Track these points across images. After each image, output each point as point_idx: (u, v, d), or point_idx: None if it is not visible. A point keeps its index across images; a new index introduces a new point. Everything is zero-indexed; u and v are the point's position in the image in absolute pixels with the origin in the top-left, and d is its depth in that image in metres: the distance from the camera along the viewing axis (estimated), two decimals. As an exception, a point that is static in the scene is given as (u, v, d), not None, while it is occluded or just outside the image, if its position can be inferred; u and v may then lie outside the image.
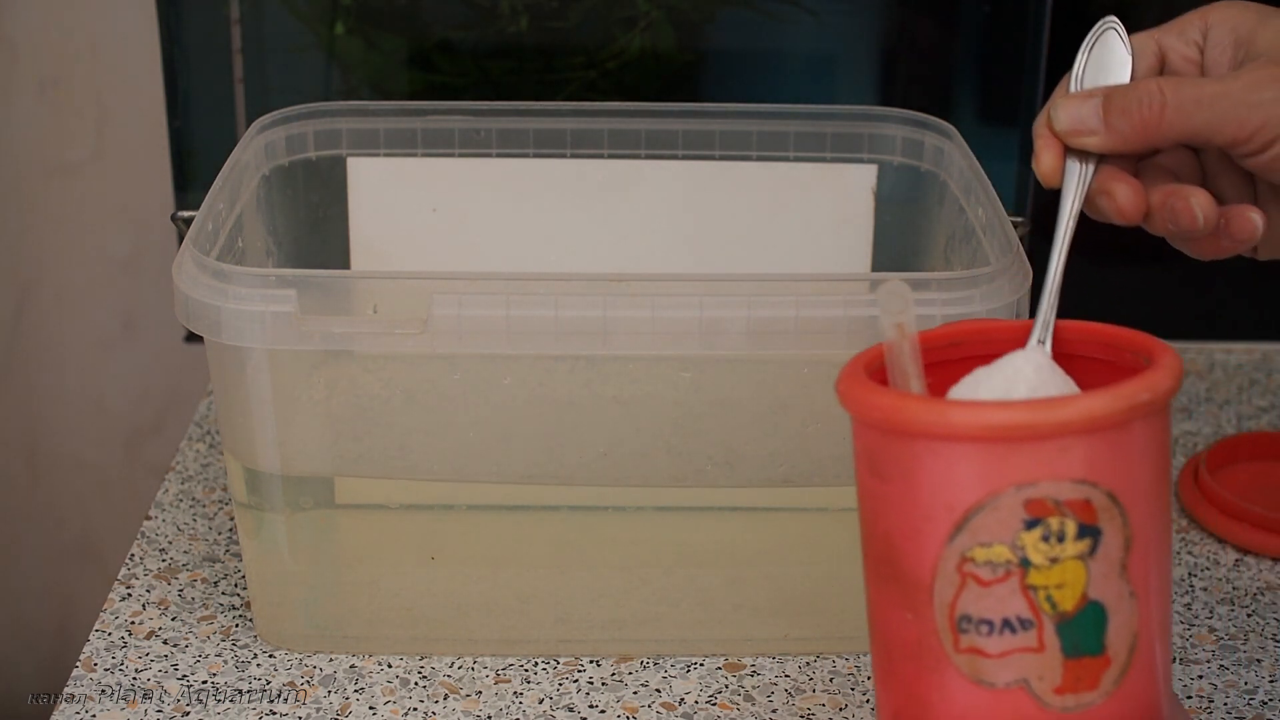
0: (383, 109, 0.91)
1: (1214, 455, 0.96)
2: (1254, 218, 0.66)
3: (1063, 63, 0.67)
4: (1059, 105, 0.65)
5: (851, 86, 1.12)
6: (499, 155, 0.91)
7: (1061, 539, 0.54)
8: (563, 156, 0.91)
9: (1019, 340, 0.62)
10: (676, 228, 0.93)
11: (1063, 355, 0.62)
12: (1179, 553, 0.91)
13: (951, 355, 0.62)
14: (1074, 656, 0.55)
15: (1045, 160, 0.66)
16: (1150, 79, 0.64)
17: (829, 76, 1.12)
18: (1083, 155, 0.65)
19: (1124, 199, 0.65)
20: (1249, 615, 0.85)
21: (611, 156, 0.91)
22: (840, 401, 0.58)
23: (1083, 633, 0.55)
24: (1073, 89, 0.66)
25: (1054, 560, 0.54)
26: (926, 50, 1.12)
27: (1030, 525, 0.54)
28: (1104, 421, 0.54)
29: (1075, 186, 0.65)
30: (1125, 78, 0.66)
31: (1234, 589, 0.87)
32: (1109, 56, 0.66)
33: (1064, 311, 0.62)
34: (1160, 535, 0.57)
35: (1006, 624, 0.55)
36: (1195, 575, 0.89)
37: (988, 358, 0.62)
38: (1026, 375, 0.59)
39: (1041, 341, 0.62)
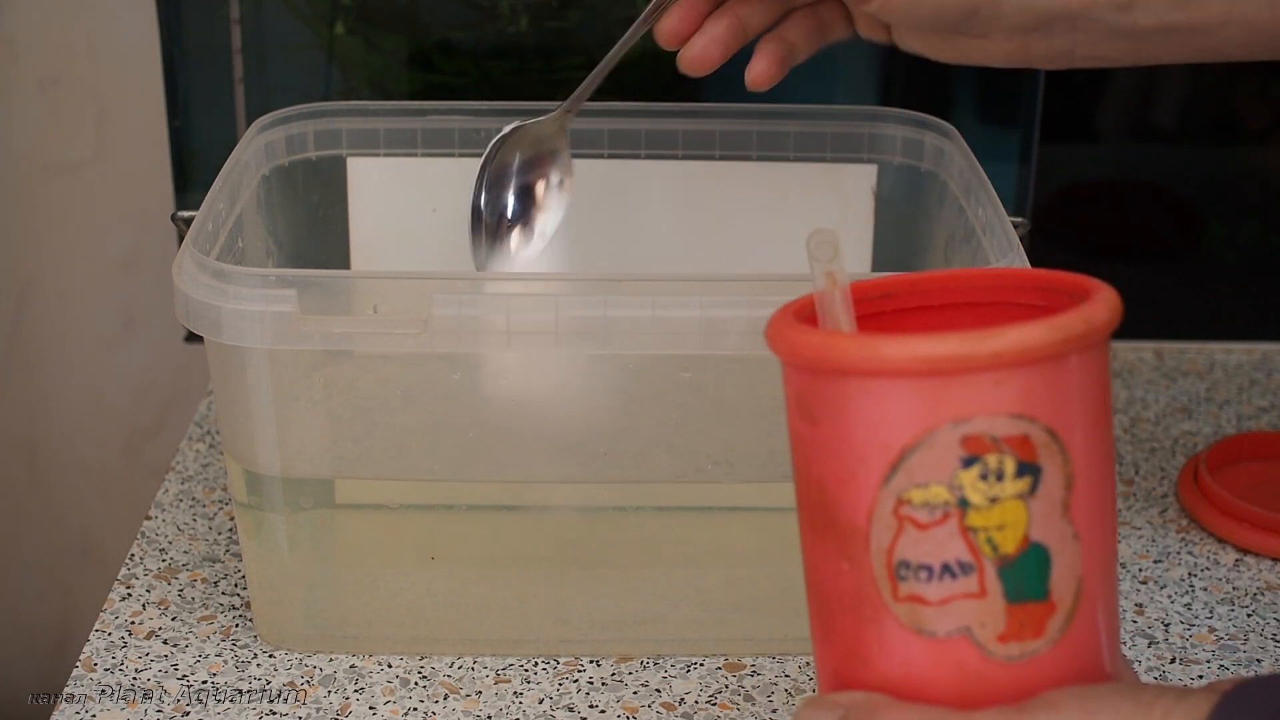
0: (383, 109, 0.91)
1: (1214, 455, 0.96)
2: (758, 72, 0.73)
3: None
4: None
5: (851, 86, 1.12)
6: (499, 155, 0.91)
7: (1000, 477, 0.53)
8: (562, 156, 0.91)
9: (952, 292, 0.61)
10: (676, 228, 0.93)
11: (998, 304, 0.60)
12: (1179, 553, 0.91)
13: (885, 307, 0.61)
14: (1017, 601, 0.54)
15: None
16: None
17: (829, 76, 1.12)
18: None
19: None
20: (1249, 615, 0.85)
21: (611, 156, 0.91)
22: (768, 345, 0.56)
23: (1026, 576, 0.54)
24: None
25: (993, 500, 0.53)
26: (926, 50, 1.12)
27: (968, 463, 0.53)
28: (1038, 353, 0.52)
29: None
30: None
31: (1234, 589, 0.87)
32: None
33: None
34: (1103, 476, 0.55)
35: (946, 569, 0.53)
36: (1195, 575, 0.89)
37: (921, 310, 0.61)
38: None
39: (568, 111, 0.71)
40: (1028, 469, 0.53)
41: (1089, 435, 0.54)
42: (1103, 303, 0.55)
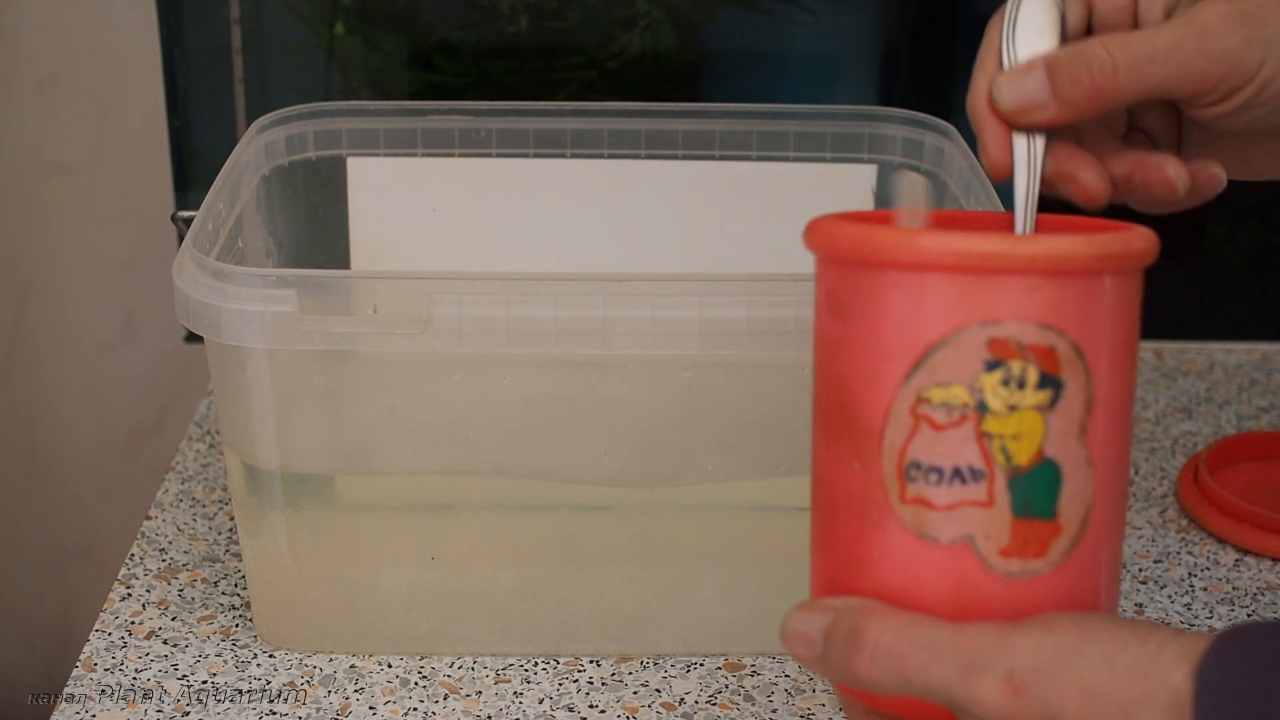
0: (383, 109, 0.91)
1: (1214, 455, 0.96)
2: (1218, 172, 0.63)
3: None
4: (1001, 84, 0.59)
5: (851, 86, 1.12)
6: (499, 155, 0.91)
7: (1022, 385, 0.53)
8: (563, 156, 0.91)
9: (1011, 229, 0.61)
10: (676, 228, 0.93)
11: None
12: (1179, 553, 0.91)
13: None
14: (1024, 517, 0.54)
15: (995, 148, 0.60)
16: (1094, 40, 0.58)
17: (829, 76, 1.12)
18: (1029, 131, 0.60)
19: (1091, 184, 0.62)
20: (1249, 615, 0.85)
21: (611, 156, 0.91)
22: (806, 242, 0.57)
23: (1035, 491, 0.54)
24: (1005, 62, 0.60)
25: (1012, 408, 0.53)
26: (926, 50, 1.12)
27: (991, 367, 0.53)
28: (1073, 265, 0.53)
29: (1027, 167, 0.61)
30: (1057, 40, 0.60)
31: (1234, 589, 0.87)
32: (1036, 18, 0.61)
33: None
34: (1123, 409, 0.55)
35: (957, 473, 0.54)
36: (1195, 575, 0.89)
37: None
38: None
39: None
40: (1050, 381, 0.53)
41: (1114, 362, 0.55)
42: (1140, 234, 0.55)
